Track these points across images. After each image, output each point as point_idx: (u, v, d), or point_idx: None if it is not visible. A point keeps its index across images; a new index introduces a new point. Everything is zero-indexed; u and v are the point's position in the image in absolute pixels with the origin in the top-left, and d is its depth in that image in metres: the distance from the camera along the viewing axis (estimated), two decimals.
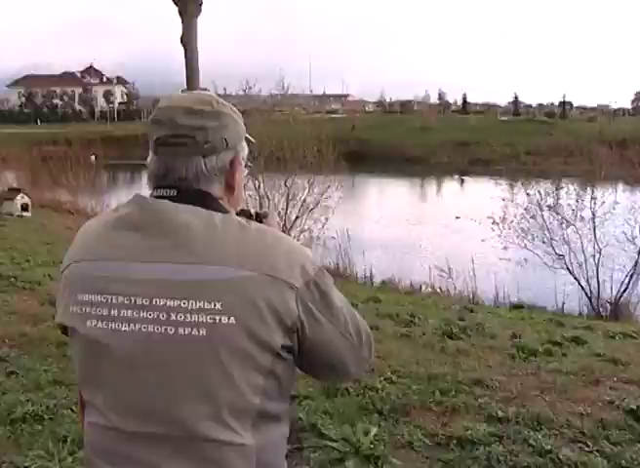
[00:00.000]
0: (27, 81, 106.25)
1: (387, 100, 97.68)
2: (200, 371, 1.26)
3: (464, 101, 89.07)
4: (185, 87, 3.52)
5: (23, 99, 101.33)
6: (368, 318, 7.24)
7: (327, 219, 15.63)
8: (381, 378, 4.97)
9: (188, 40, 3.45)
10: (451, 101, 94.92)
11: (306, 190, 15.84)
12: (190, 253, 1.27)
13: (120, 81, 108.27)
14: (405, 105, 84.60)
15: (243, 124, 1.51)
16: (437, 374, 5.14)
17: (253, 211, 1.65)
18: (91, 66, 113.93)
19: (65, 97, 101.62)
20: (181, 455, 1.29)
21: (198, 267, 1.26)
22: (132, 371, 1.29)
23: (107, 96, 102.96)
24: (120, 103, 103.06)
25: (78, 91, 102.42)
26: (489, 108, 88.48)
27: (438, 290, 12.94)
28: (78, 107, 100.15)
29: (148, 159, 1.45)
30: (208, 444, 1.28)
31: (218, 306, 1.24)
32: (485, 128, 55.60)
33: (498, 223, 13.68)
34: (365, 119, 65.68)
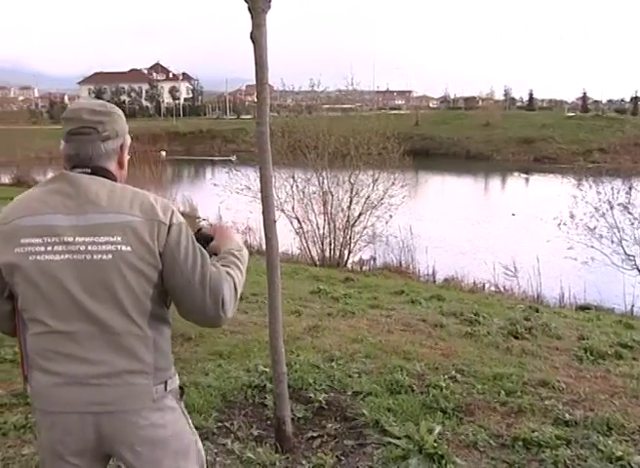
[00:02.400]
0: (97, 78, 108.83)
1: (451, 97, 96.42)
2: (110, 283, 1.92)
3: (530, 97, 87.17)
4: (255, 83, 3.53)
5: (93, 96, 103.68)
6: (431, 316, 7.25)
7: (391, 217, 15.56)
8: (446, 377, 4.93)
9: (258, 36, 3.45)
10: (517, 98, 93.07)
11: (370, 187, 15.79)
12: (99, 207, 1.94)
13: (185, 77, 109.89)
14: (469, 101, 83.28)
15: (125, 121, 2.16)
16: (502, 374, 5.05)
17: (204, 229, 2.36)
18: (157, 63, 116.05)
19: (133, 94, 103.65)
20: (103, 346, 1.95)
21: (104, 215, 1.93)
22: (64, 287, 1.92)
23: (173, 92, 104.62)
24: (185, 99, 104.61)
25: (145, 87, 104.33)
26: (556, 104, 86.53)
27: (502, 288, 12.75)
28: (145, 103, 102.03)
29: (61, 147, 2.08)
30: (121, 336, 1.95)
31: (118, 239, 1.91)
32: (551, 124, 54.32)
33: (564, 222, 13.38)
34: (428, 115, 65.08)
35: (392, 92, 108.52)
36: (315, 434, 4.06)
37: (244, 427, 4.10)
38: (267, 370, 4.69)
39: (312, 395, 4.46)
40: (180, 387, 2.19)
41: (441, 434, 3.91)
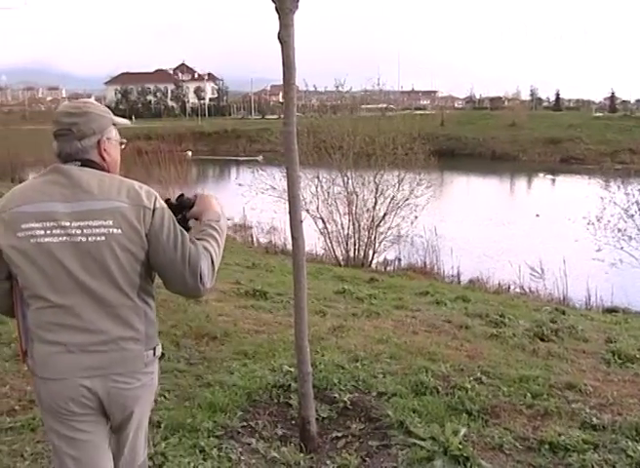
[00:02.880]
0: (123, 78, 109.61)
1: (477, 97, 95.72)
2: (104, 261, 2.19)
3: (557, 98, 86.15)
4: (281, 83, 3.54)
5: (119, 96, 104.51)
6: (457, 317, 7.21)
7: (416, 218, 15.50)
8: (471, 378, 4.90)
9: (286, 37, 3.46)
10: (543, 98, 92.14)
11: (396, 187, 15.74)
12: (91, 195, 2.21)
13: (210, 77, 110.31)
14: (495, 102, 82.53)
15: (110, 117, 2.40)
16: (528, 377, 5.00)
17: (173, 198, 2.49)
18: (183, 63, 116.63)
19: (158, 94, 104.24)
20: (100, 316, 2.22)
21: (96, 202, 2.20)
22: (63, 265, 2.18)
23: (198, 92, 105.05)
24: (210, 99, 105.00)
25: (170, 87, 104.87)
26: (583, 104, 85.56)
27: (527, 290, 12.65)
28: (170, 103, 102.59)
29: (53, 145, 2.32)
30: (116, 307, 2.24)
31: (110, 223, 2.18)
32: (579, 125, 53.63)
33: (592, 223, 13.24)
34: (454, 115, 64.66)
35: (417, 92, 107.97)
36: (340, 434, 4.06)
37: (269, 426, 4.11)
38: (292, 369, 4.70)
39: (337, 395, 4.46)
40: (162, 353, 2.52)
41: (466, 436, 3.90)
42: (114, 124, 2.43)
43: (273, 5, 3.54)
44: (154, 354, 2.39)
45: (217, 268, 2.36)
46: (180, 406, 4.33)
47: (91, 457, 2.35)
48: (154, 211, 2.24)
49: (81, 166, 2.28)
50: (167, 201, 2.42)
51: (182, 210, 2.46)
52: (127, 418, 2.38)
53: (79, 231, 2.17)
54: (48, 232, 2.17)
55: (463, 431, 3.88)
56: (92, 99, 2.60)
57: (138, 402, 2.37)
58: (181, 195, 2.53)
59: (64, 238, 2.17)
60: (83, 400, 2.26)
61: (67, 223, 2.17)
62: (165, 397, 4.50)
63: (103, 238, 2.17)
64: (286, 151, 3.68)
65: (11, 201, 2.24)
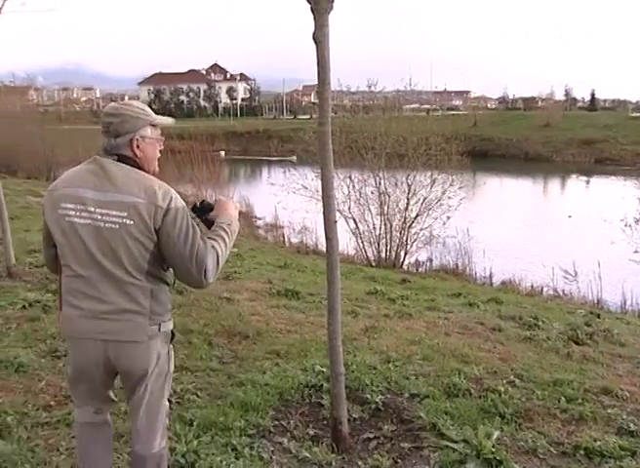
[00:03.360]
0: (156, 78, 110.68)
1: (510, 97, 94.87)
2: (115, 246, 2.54)
3: (592, 97, 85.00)
4: (316, 83, 3.54)
5: (152, 96, 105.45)
6: (489, 319, 7.15)
7: (448, 218, 15.41)
8: (504, 381, 4.86)
9: (321, 37, 3.45)
10: (578, 98, 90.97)
11: (428, 188, 15.67)
12: (115, 187, 2.56)
13: (243, 78, 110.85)
14: (528, 102, 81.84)
15: (148, 118, 2.71)
16: (562, 380, 4.94)
17: (197, 202, 2.87)
18: (215, 64, 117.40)
19: (191, 94, 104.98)
20: (111, 288, 2.57)
21: (118, 195, 2.55)
22: (85, 243, 2.56)
23: (230, 92, 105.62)
24: (242, 99, 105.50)
25: (203, 87, 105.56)
26: (619, 104, 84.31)
27: (560, 293, 12.50)
28: (203, 103, 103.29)
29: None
30: (124, 283, 2.57)
31: (125, 214, 2.53)
32: (614, 125, 52.87)
33: (629, 224, 13.04)
34: (486, 116, 64.08)
35: (450, 92, 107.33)
36: (371, 435, 4.04)
37: (300, 426, 4.12)
38: (324, 369, 4.70)
39: (369, 396, 4.45)
40: (172, 332, 2.81)
41: (499, 439, 3.86)
42: (153, 124, 2.74)
43: (308, 5, 3.53)
44: (159, 330, 2.69)
45: (221, 265, 2.69)
46: (212, 404, 4.35)
47: (95, 395, 2.88)
48: (168, 210, 2.56)
49: (117, 160, 2.64)
50: (193, 205, 2.84)
51: (205, 213, 2.86)
52: (135, 384, 2.75)
53: (100, 217, 2.55)
54: (77, 214, 2.57)
55: (496, 434, 3.84)
56: (135, 101, 2.86)
57: (144, 370, 2.71)
58: (203, 201, 2.91)
59: (89, 221, 2.56)
60: (96, 359, 2.68)
61: (92, 209, 2.55)
62: (197, 395, 4.52)
63: (117, 226, 2.53)
64: (320, 151, 3.67)
65: (60, 182, 2.68)
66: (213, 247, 2.64)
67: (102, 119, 2.67)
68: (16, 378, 4.81)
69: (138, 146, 2.67)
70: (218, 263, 2.65)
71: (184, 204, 2.65)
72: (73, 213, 2.57)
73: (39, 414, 4.12)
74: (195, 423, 4.03)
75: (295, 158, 21.21)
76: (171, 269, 2.71)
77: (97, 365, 2.69)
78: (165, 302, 2.72)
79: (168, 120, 2.88)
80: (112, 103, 2.76)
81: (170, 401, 4.32)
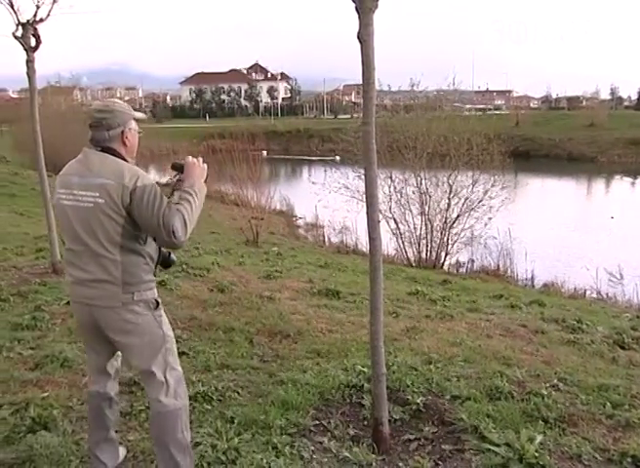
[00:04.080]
0: (197, 78, 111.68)
1: (553, 96, 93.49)
2: (91, 222, 2.97)
3: (639, 97, 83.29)
4: (358, 82, 3.53)
5: (194, 96, 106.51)
6: (532, 321, 7.07)
7: (490, 219, 15.25)
8: (547, 385, 4.78)
9: (365, 36, 3.44)
10: (624, 97, 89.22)
11: (469, 188, 15.53)
12: (92, 172, 3.00)
13: (283, 77, 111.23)
14: (572, 101, 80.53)
15: (131, 113, 3.16)
16: (608, 385, 4.84)
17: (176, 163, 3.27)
18: (256, 63, 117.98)
19: (232, 93, 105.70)
20: (90, 260, 3.02)
21: (93, 179, 2.97)
22: (70, 221, 3.04)
23: (271, 91, 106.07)
24: (283, 99, 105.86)
25: (244, 87, 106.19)
26: None
27: (604, 295, 12.29)
28: (244, 103, 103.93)
29: (89, 133, 3.10)
30: (99, 255, 2.99)
31: (97, 194, 2.95)
32: None
33: None
34: (529, 115, 63.32)
35: (492, 92, 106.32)
36: (412, 437, 4.02)
37: (341, 426, 4.11)
38: (365, 369, 4.69)
39: (410, 397, 4.42)
40: (156, 300, 3.15)
41: (542, 444, 3.80)
42: (135, 118, 3.19)
43: (353, 5, 3.52)
44: (133, 298, 3.05)
45: (190, 225, 3.03)
46: (253, 402, 4.38)
47: (96, 360, 3.35)
48: (135, 189, 2.94)
49: (100, 150, 3.07)
50: (173, 163, 3.28)
51: (178, 171, 3.24)
52: (123, 342, 3.14)
53: (80, 198, 2.99)
54: (65, 196, 3.05)
55: (540, 439, 3.79)
56: (116, 99, 3.34)
57: (125, 333, 3.10)
58: (175, 162, 3.29)
59: (73, 202, 3.02)
60: (86, 318, 3.15)
61: (76, 192, 3.01)
62: (238, 393, 4.55)
63: (92, 205, 2.96)
64: (364, 150, 3.66)
65: (63, 170, 3.16)
66: (178, 209, 2.99)
67: (94, 115, 3.06)
68: (61, 373, 4.91)
69: (126, 137, 3.12)
70: (185, 224, 2.99)
71: (152, 181, 3.03)
72: (64, 196, 3.05)
73: (83, 409, 4.17)
74: (236, 421, 4.06)
75: (338, 158, 21.18)
76: (152, 243, 3.11)
77: (87, 324, 3.17)
78: (137, 273, 3.06)
79: (141, 114, 3.33)
80: (99, 101, 3.24)
81: (211, 398, 4.39)
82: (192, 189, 3.13)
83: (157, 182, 3.18)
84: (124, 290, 3.02)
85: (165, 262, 3.33)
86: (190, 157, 3.27)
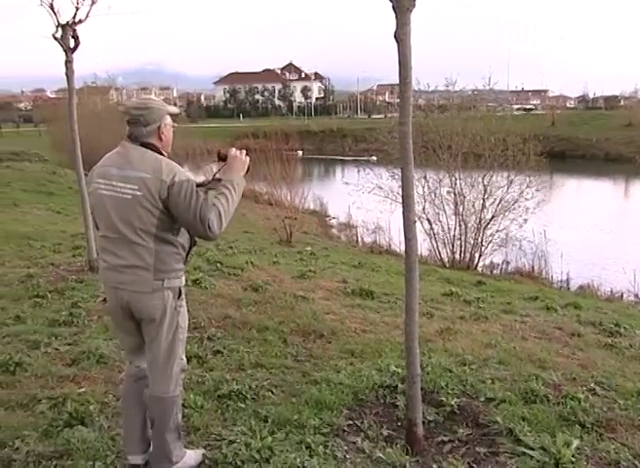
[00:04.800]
0: (232, 78, 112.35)
1: (590, 96, 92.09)
2: (128, 213, 3.13)
3: None
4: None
5: (228, 95, 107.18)
6: (568, 324, 6.98)
7: (525, 221, 15.09)
8: (584, 389, 4.72)
9: (402, 35, 3.43)
10: None
11: (504, 189, 15.38)
12: (131, 165, 3.15)
13: (317, 77, 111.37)
14: (610, 101, 79.29)
15: (166, 108, 3.29)
16: None
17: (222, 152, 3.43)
18: (290, 63, 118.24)
19: (266, 93, 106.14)
20: (124, 247, 3.18)
21: (133, 172, 3.13)
22: (107, 210, 3.19)
23: (305, 91, 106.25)
24: (317, 98, 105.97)
25: (278, 87, 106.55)
26: None
27: None
28: (277, 102, 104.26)
29: (125, 128, 3.26)
30: (133, 243, 3.15)
31: (136, 187, 3.10)
32: None
33: None
34: (565, 115, 62.56)
35: (527, 91, 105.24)
36: (446, 438, 3.99)
37: (374, 426, 4.10)
38: (399, 370, 4.67)
39: (444, 398, 4.39)
40: (180, 289, 3.33)
41: (579, 449, 3.75)
42: (169, 113, 3.32)
43: (389, 4, 3.50)
44: (163, 285, 3.22)
45: (226, 218, 3.20)
46: (286, 401, 4.39)
47: (129, 341, 3.48)
48: (172, 184, 3.10)
49: (140, 145, 3.20)
50: (219, 151, 3.44)
51: (222, 160, 3.39)
52: (149, 330, 3.31)
53: (119, 189, 3.14)
54: (104, 187, 3.20)
55: (576, 443, 3.73)
56: (152, 96, 3.64)
57: (151, 317, 3.26)
58: (219, 151, 3.44)
59: (111, 192, 3.17)
60: (118, 302, 3.29)
61: (114, 183, 3.16)
62: (272, 392, 4.57)
63: (130, 197, 3.12)
64: (401, 150, 3.65)
65: (100, 161, 3.32)
66: (214, 204, 3.16)
67: (132, 112, 3.21)
68: (97, 369, 4.99)
69: (162, 132, 3.27)
70: (220, 217, 3.16)
71: (188, 176, 3.19)
72: (103, 186, 3.20)
73: (122, 415, 4.24)
74: (270, 420, 4.08)
75: (375, 158, 21.10)
76: (185, 234, 3.28)
77: (118, 308, 3.31)
78: (169, 262, 3.23)
79: (176, 108, 3.49)
80: (136, 99, 3.47)
81: (245, 396, 4.42)
82: (231, 183, 3.29)
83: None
84: (155, 276, 3.20)
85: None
86: (234, 149, 3.41)
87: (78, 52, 8.13)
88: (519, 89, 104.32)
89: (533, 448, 3.71)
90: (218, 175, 3.39)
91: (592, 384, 4.86)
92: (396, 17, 3.49)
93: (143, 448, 3.52)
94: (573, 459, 3.54)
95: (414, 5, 3.50)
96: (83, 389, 4.57)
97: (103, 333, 5.78)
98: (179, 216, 3.15)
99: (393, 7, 3.49)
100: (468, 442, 3.96)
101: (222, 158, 3.40)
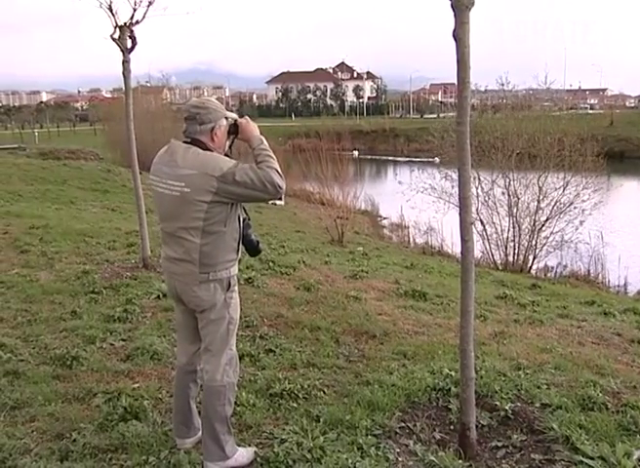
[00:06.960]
0: (284, 77, 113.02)
1: None
2: (177, 209, 3.29)
3: None
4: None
5: (280, 95, 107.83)
6: (627, 330, 6.80)
7: (581, 223, 14.78)
8: None
9: (461, 34, 3.37)
10: None
11: (560, 190, 15.10)
12: (178, 163, 3.28)
13: (369, 76, 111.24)
14: None
15: (223, 112, 3.44)
16: None
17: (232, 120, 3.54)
18: (342, 62, 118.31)
19: (318, 92, 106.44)
20: (176, 242, 3.36)
21: (180, 169, 3.25)
22: (161, 205, 3.38)
23: (357, 90, 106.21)
24: (369, 98, 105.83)
25: (330, 86, 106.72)
26: None
27: None
28: (329, 102, 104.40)
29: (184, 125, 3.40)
30: (182, 239, 3.32)
31: (184, 184, 3.23)
32: None
33: None
34: (624, 115, 61.04)
35: (584, 90, 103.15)
36: (500, 444, 3.92)
37: (427, 429, 4.05)
38: (452, 373, 4.62)
39: (498, 403, 4.32)
40: (229, 281, 3.44)
41: None
42: (226, 117, 3.46)
43: (448, 2, 3.46)
44: (208, 278, 3.36)
45: (280, 172, 3.34)
46: (338, 402, 4.38)
47: (182, 331, 3.72)
48: (223, 174, 3.19)
49: (189, 143, 3.35)
50: (235, 121, 3.53)
51: (234, 133, 3.53)
52: (200, 319, 3.49)
53: (169, 186, 3.29)
54: (157, 183, 3.37)
55: (637, 454, 3.61)
56: (213, 98, 3.67)
57: (200, 307, 3.44)
58: (235, 121, 3.54)
59: (164, 190, 3.32)
60: (173, 290, 3.52)
61: (166, 180, 3.31)
62: (324, 392, 4.56)
63: (179, 194, 3.25)
64: (458, 151, 3.60)
65: (155, 158, 3.46)
66: (268, 166, 3.31)
67: (190, 109, 3.35)
68: (151, 365, 5.05)
69: (215, 134, 3.39)
70: (278, 172, 3.31)
71: (233, 162, 3.29)
72: (157, 183, 3.37)
73: (172, 401, 4.29)
74: (322, 420, 4.07)
75: (437, 159, 20.90)
76: (233, 224, 3.38)
77: (174, 296, 3.55)
78: (215, 255, 3.35)
79: (234, 114, 3.60)
80: (195, 98, 3.52)
81: (297, 396, 4.42)
82: (263, 144, 3.47)
83: None
84: (201, 269, 3.35)
85: (254, 250, 3.62)
86: (239, 118, 3.58)
87: (134, 52, 8.26)
88: (576, 87, 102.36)
89: (591, 458, 3.61)
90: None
91: None
92: (455, 15, 3.44)
93: (188, 432, 3.77)
94: None
95: (473, 3, 3.44)
96: (137, 384, 4.64)
97: (157, 330, 5.85)
98: (247, 195, 3.28)
99: (452, 5, 3.44)
100: (523, 448, 3.88)
101: (234, 131, 3.53)
